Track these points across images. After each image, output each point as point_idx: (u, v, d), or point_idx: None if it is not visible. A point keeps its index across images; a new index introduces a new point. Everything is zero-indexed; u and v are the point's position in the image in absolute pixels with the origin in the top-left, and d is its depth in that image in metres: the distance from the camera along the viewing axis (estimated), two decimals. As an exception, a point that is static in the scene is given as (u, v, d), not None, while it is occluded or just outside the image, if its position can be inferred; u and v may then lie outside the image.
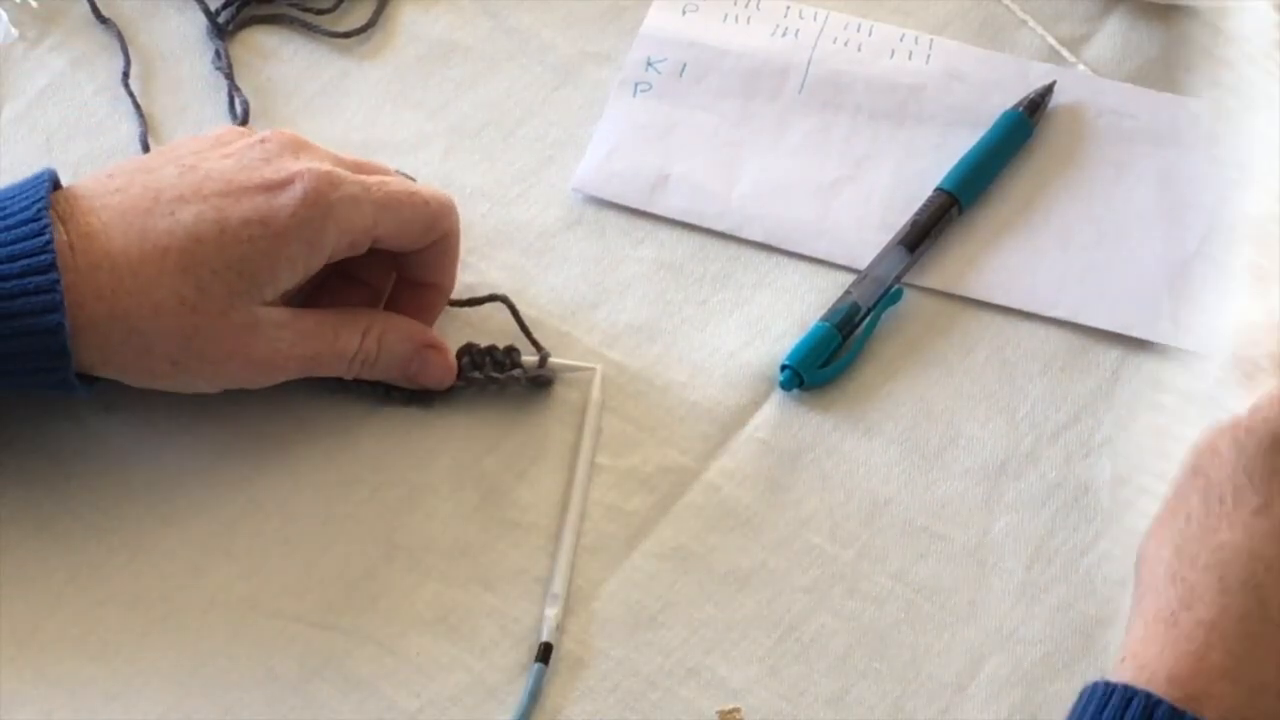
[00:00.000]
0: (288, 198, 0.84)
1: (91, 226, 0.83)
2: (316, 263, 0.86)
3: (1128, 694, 0.67)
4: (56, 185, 0.86)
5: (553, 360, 0.91)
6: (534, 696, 0.83)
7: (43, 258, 0.82)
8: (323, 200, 0.85)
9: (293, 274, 0.86)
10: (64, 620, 0.85)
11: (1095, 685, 0.70)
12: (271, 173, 0.85)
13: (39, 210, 0.83)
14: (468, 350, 0.91)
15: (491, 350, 0.91)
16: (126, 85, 1.00)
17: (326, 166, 0.86)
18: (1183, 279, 0.95)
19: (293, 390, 0.90)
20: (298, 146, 0.87)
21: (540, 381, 0.91)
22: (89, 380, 0.85)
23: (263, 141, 0.87)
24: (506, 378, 0.91)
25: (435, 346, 0.90)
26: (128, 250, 0.83)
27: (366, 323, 0.89)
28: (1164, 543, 0.72)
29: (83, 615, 0.85)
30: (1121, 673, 0.70)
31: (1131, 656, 0.70)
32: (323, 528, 0.88)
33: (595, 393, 0.91)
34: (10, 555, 0.86)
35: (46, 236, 0.82)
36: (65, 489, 0.88)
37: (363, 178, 0.87)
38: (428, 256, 0.90)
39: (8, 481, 0.88)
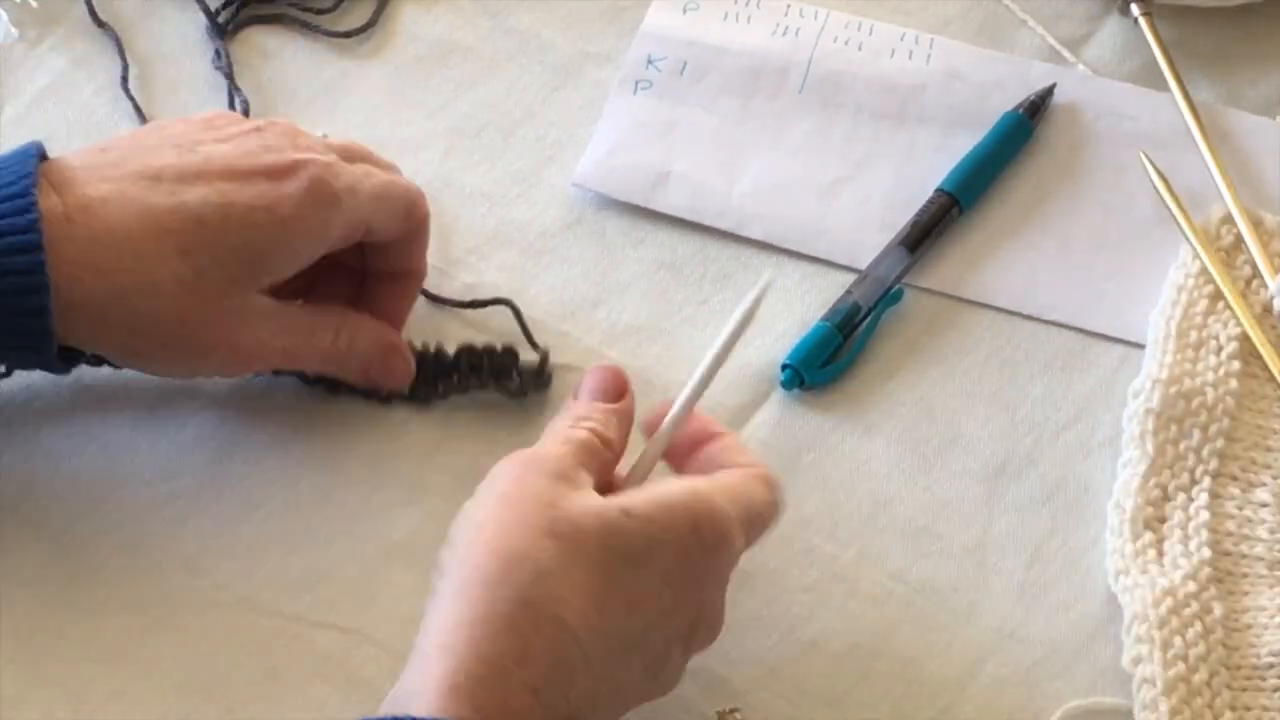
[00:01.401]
0: (294, 186, 0.83)
1: (89, 199, 0.81)
2: (316, 253, 0.85)
3: None
4: (44, 156, 0.83)
5: (553, 361, 0.91)
6: None
7: (29, 237, 0.79)
8: (328, 190, 0.84)
9: (292, 263, 0.85)
10: (64, 620, 0.85)
11: None
12: (274, 159, 0.84)
13: (26, 186, 0.80)
14: (466, 351, 0.91)
15: (489, 351, 0.91)
16: (125, 87, 1.00)
17: (329, 157, 0.86)
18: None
19: (293, 390, 0.90)
20: (294, 134, 0.87)
21: (539, 384, 0.91)
22: (74, 355, 0.84)
23: (259, 130, 0.86)
24: (505, 385, 0.90)
25: (399, 350, 0.89)
26: (127, 226, 0.81)
27: (339, 321, 0.88)
28: (506, 582, 0.72)
29: (83, 615, 0.85)
30: (448, 707, 0.70)
31: (466, 695, 0.70)
32: (322, 528, 0.88)
33: None
34: (10, 555, 0.86)
35: (33, 215, 0.79)
36: (65, 489, 0.88)
37: (353, 167, 0.87)
38: (404, 245, 0.89)
39: (8, 481, 0.88)
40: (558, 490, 0.75)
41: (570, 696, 0.72)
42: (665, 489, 0.77)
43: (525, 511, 0.74)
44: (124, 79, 1.00)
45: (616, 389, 0.83)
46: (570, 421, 0.80)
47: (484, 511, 0.75)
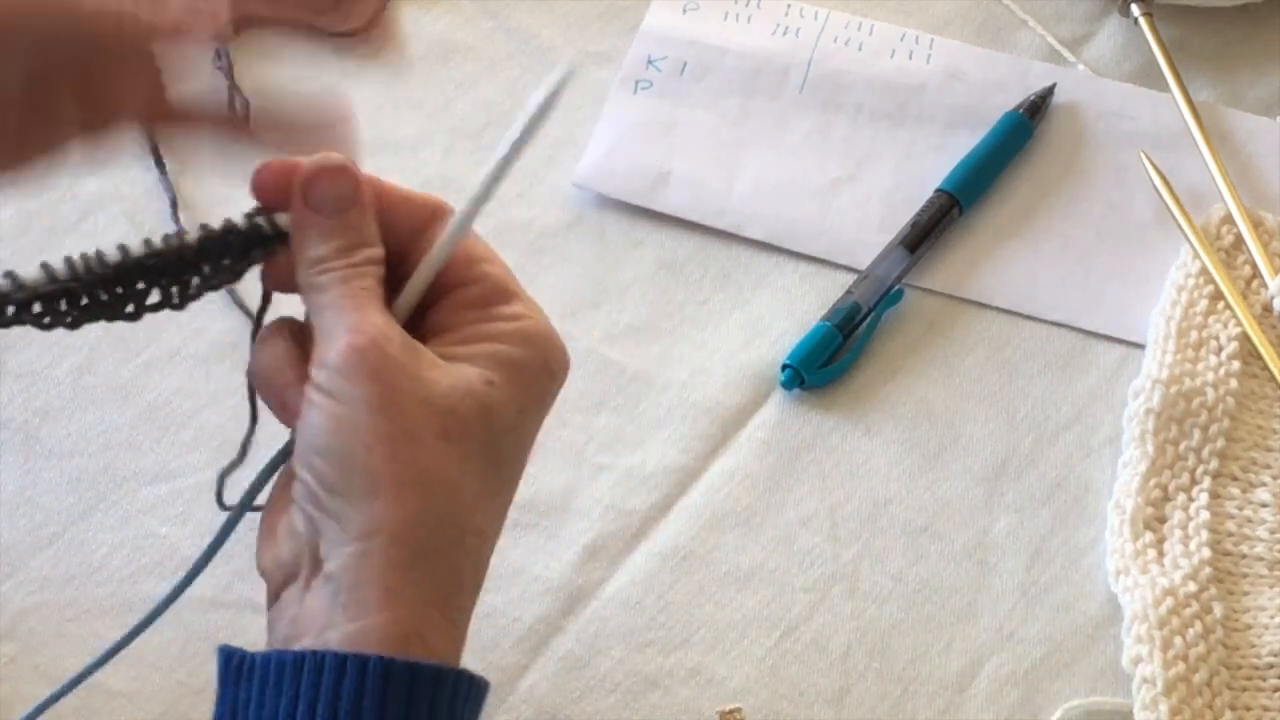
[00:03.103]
0: None
1: None
2: None
3: (443, 672, 0.69)
4: None
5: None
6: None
7: None
8: None
9: None
10: (64, 620, 0.85)
11: (369, 658, 0.67)
12: None
13: None
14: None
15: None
16: (126, 85, 1.00)
17: None
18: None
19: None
20: None
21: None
22: None
23: None
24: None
25: None
26: None
27: None
28: (427, 510, 0.70)
29: (83, 615, 0.85)
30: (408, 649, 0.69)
31: (418, 641, 0.69)
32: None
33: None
34: (10, 555, 0.86)
35: None
36: (65, 489, 0.88)
37: None
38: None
39: (8, 481, 0.88)
40: (418, 378, 0.71)
41: (480, 581, 0.73)
42: (504, 337, 0.74)
43: (407, 418, 0.70)
44: (124, 79, 1.00)
45: (345, 193, 0.75)
46: (344, 266, 0.73)
47: (367, 427, 0.71)
